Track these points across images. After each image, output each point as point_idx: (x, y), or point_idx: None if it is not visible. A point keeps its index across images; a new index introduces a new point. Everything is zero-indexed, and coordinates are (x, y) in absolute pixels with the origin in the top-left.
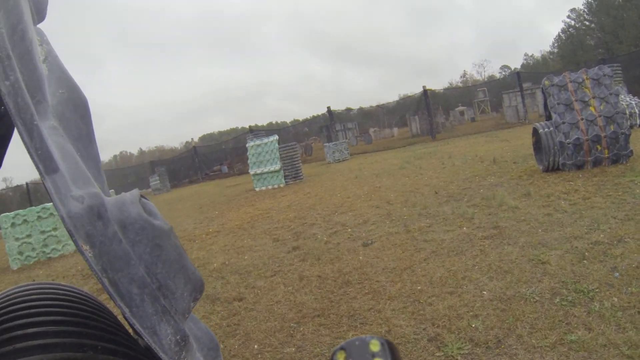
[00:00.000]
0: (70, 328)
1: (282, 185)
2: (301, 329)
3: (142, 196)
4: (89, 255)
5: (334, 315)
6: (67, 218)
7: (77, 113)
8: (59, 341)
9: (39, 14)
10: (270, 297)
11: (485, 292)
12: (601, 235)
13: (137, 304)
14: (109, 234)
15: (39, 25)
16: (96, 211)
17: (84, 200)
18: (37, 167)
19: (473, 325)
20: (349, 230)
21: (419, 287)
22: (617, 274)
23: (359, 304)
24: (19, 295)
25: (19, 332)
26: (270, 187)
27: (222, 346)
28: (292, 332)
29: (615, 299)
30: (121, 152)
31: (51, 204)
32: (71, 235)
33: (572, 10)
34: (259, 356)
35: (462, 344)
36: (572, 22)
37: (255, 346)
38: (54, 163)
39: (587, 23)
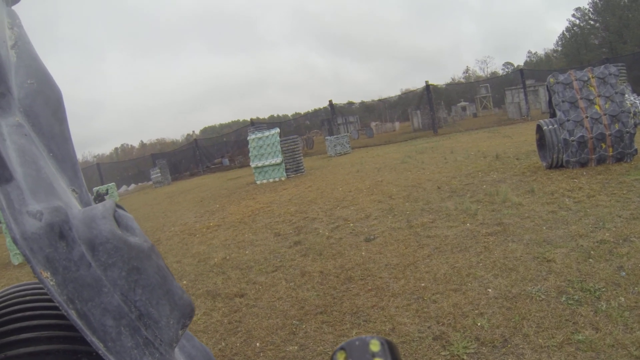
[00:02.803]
0: (64, 333)
1: (283, 179)
2: (303, 326)
3: (118, 206)
4: (51, 283)
5: (336, 312)
6: (21, 240)
7: (48, 108)
8: (50, 348)
9: None
10: (271, 294)
11: (490, 290)
12: (606, 234)
13: (113, 337)
14: (75, 257)
15: (13, 7)
16: (57, 230)
17: (43, 217)
18: None
19: (479, 324)
20: (351, 225)
21: (422, 284)
22: (623, 273)
23: (362, 301)
24: (15, 296)
25: (12, 338)
26: (271, 180)
27: (223, 344)
28: (294, 329)
29: (622, 299)
30: (122, 145)
31: None
32: (27, 261)
33: (577, 9)
34: (261, 354)
35: (467, 342)
36: (577, 21)
37: (257, 344)
38: (7, 170)
39: (591, 22)
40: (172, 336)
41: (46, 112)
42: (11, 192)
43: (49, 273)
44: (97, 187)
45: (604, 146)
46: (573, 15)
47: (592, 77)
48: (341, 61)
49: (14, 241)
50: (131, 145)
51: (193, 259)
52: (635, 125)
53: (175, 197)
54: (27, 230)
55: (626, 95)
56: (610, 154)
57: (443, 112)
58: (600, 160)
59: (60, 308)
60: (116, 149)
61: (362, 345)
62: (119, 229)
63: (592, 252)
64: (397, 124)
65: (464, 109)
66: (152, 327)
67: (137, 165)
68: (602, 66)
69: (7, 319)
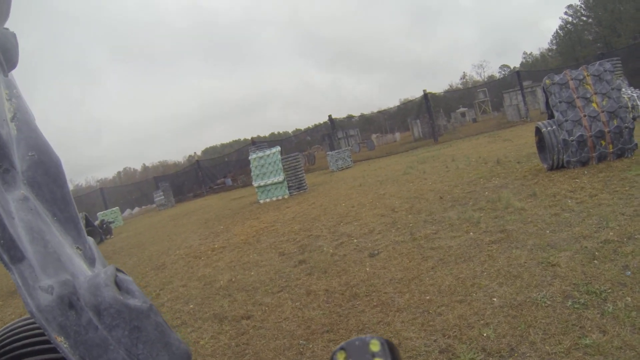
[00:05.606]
0: None
1: (286, 197)
2: (311, 346)
3: (119, 270)
4: (65, 346)
5: (343, 330)
6: (37, 312)
7: (49, 176)
8: None
9: (9, 62)
10: (278, 314)
11: (495, 299)
12: (610, 233)
13: None
14: (84, 322)
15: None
16: (67, 301)
17: (54, 291)
18: (1, 258)
19: (485, 334)
20: (355, 241)
21: (427, 297)
22: (629, 273)
23: (368, 317)
24: (21, 330)
25: None
26: (274, 198)
27: None
28: (301, 349)
29: (629, 299)
30: (124, 168)
31: None
32: (44, 329)
33: (569, 6)
34: None
35: (474, 354)
36: (570, 19)
37: None
38: (19, 251)
39: (584, 18)
40: None
41: (47, 180)
42: (24, 271)
43: (62, 338)
44: (102, 212)
45: (603, 143)
46: (565, 13)
47: (588, 75)
48: (339, 75)
49: (30, 313)
50: (133, 169)
51: (199, 282)
52: (634, 119)
53: (180, 219)
54: (41, 303)
55: (623, 90)
56: (611, 150)
57: (442, 120)
58: (601, 158)
59: None
60: (119, 172)
61: (362, 345)
62: (120, 293)
63: (596, 253)
64: (397, 135)
65: (463, 114)
66: None
67: (140, 188)
68: (597, 63)
69: (11, 355)
